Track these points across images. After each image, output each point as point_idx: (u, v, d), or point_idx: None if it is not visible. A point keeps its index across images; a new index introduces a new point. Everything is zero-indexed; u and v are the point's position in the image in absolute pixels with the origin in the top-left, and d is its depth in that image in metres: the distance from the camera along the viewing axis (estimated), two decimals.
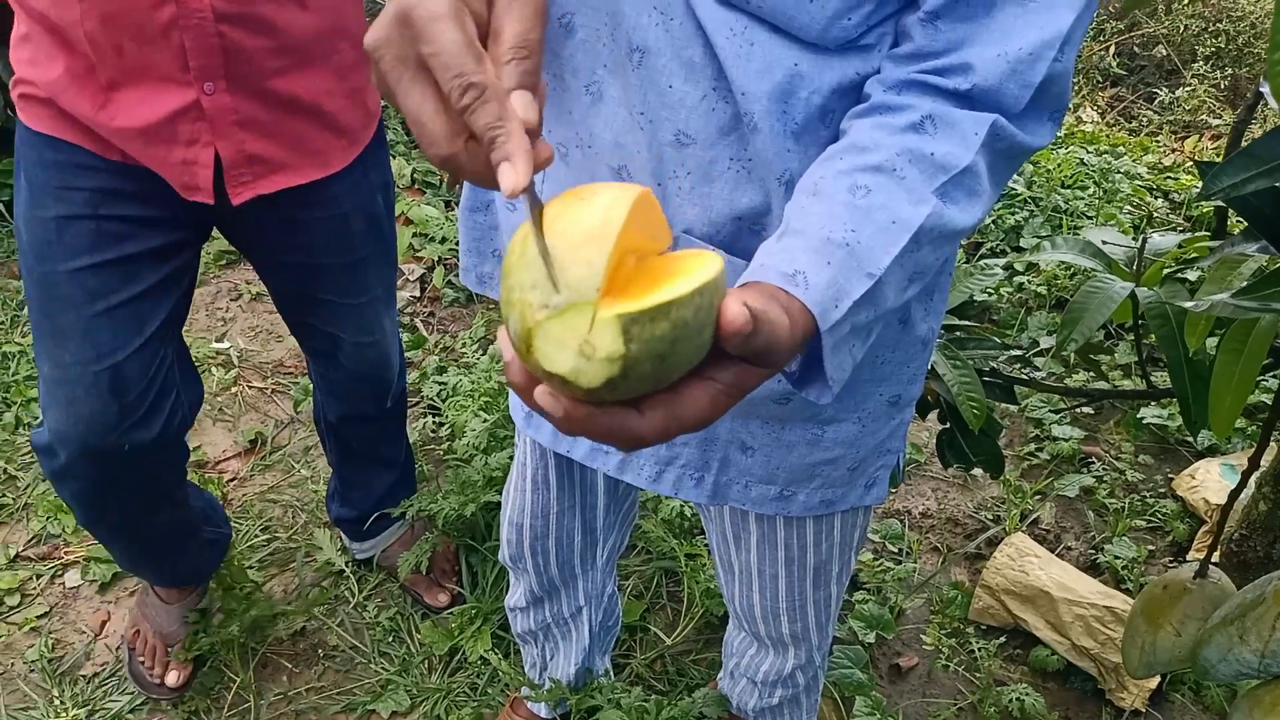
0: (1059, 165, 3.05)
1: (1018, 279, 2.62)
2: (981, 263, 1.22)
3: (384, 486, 1.74)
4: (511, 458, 1.85)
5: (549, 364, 0.48)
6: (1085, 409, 2.24)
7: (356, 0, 1.23)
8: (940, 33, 0.67)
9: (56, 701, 1.65)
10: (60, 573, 1.90)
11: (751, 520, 1.08)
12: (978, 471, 2.11)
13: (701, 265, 0.50)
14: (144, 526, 1.44)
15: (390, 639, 1.75)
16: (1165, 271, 1.23)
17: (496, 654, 1.65)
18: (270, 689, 1.68)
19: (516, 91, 0.51)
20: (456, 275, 2.59)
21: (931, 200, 0.65)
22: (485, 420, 1.81)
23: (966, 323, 1.22)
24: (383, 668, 1.71)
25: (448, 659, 1.71)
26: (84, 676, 1.70)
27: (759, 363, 0.54)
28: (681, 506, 1.80)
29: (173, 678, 1.64)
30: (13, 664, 1.71)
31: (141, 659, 1.67)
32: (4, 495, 2.02)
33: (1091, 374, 1.83)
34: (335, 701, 1.66)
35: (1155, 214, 2.90)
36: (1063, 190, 2.95)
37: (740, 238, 0.77)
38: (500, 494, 1.83)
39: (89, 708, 1.65)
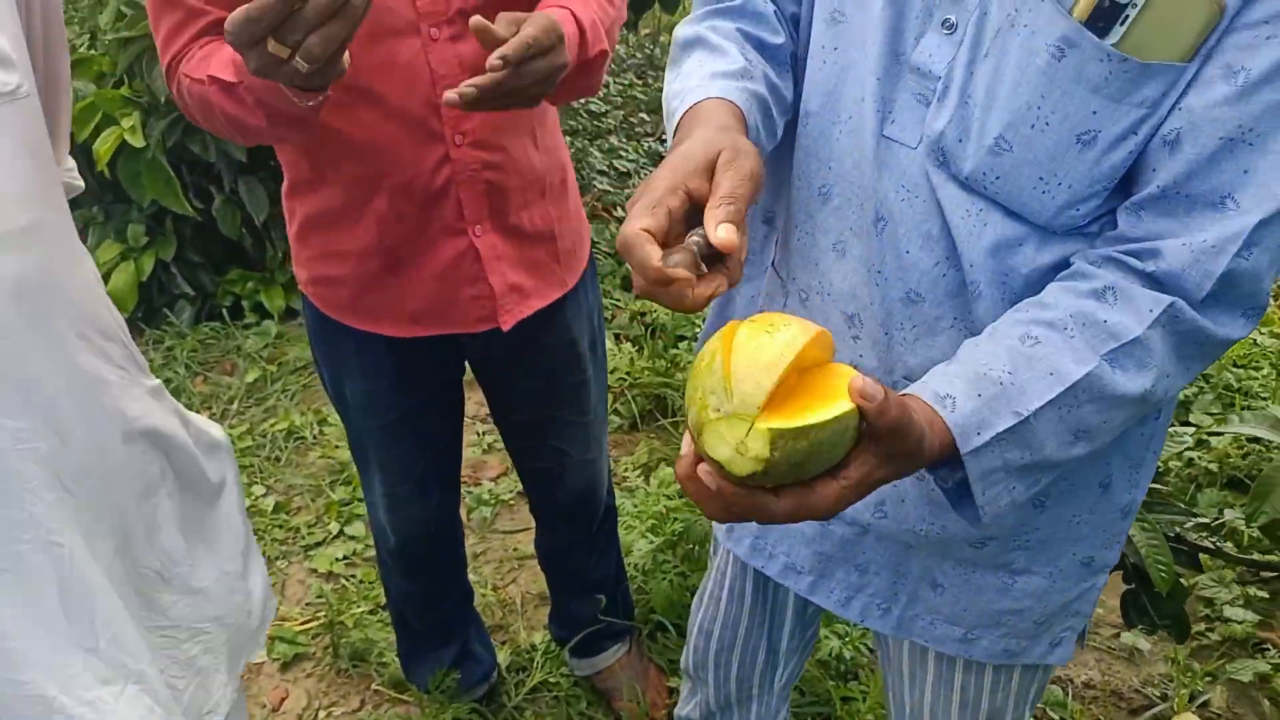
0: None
1: (1188, 454, 2.57)
2: (1170, 429, 1.26)
3: (598, 608, 1.83)
4: (675, 579, 1.94)
5: (711, 451, 0.62)
6: (1260, 592, 2.16)
7: (562, 139, 1.41)
8: (1142, 222, 0.77)
9: None
10: None
11: (930, 659, 1.11)
12: (1145, 646, 2.04)
13: (839, 387, 0.62)
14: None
15: None
16: None
17: None
18: None
19: (724, 224, 0.65)
20: (622, 403, 2.74)
21: (1095, 361, 0.73)
22: (652, 542, 1.90)
23: (1155, 485, 1.26)
24: None
25: None
26: None
27: (886, 450, 0.65)
28: (840, 649, 1.82)
29: None
30: None
31: None
32: None
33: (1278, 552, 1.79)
34: None
35: None
36: (1234, 369, 2.90)
37: None
38: (679, 615, 1.91)
39: None
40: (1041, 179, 0.78)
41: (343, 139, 1.21)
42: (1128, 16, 0.72)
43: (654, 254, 0.64)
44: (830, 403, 0.61)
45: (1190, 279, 0.74)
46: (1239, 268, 0.73)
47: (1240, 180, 0.72)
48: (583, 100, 5.05)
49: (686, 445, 0.67)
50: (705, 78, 0.85)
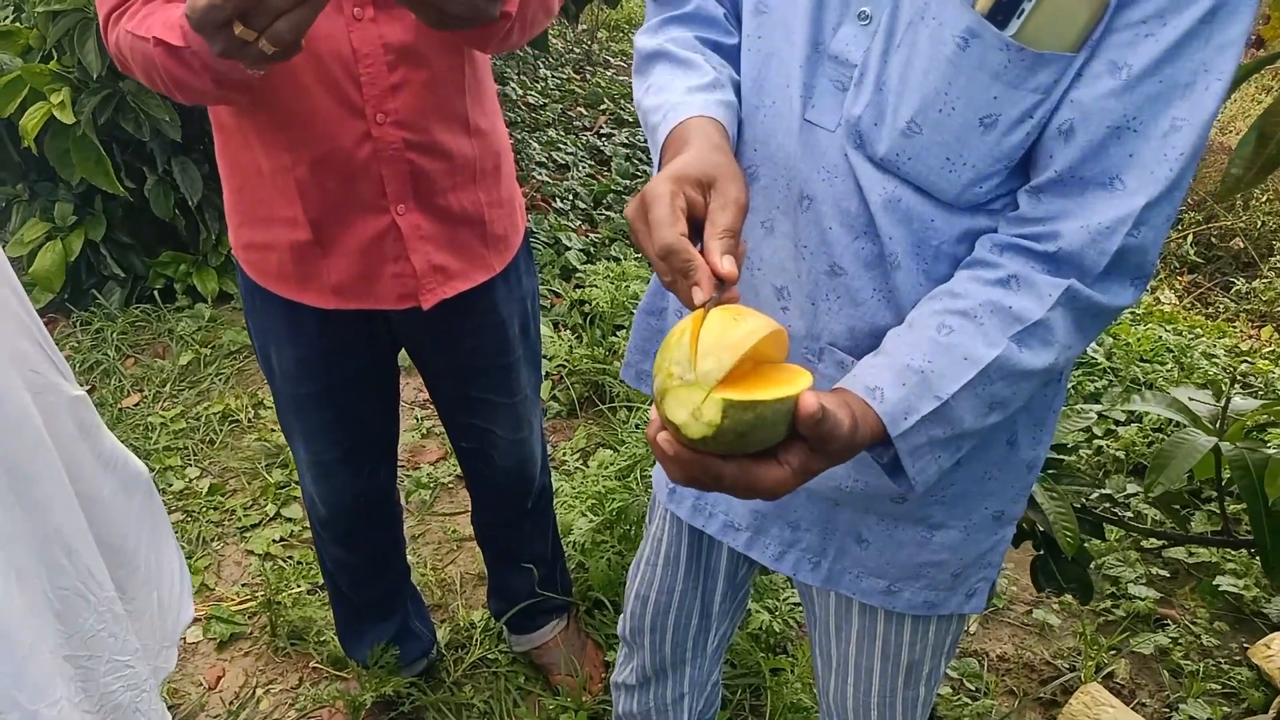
0: (1138, 340, 3.17)
1: (1096, 441, 2.71)
2: (1078, 407, 1.36)
3: (534, 582, 1.86)
4: (612, 558, 2.00)
5: (669, 414, 0.70)
6: (1162, 571, 2.29)
7: (502, 126, 1.44)
8: (1041, 204, 0.85)
9: None
10: None
11: (855, 613, 1.18)
12: (1055, 621, 2.16)
13: (794, 381, 0.72)
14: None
15: None
16: (1246, 430, 1.35)
17: None
18: None
19: (726, 256, 0.76)
20: (560, 389, 2.78)
21: (1004, 344, 0.83)
22: (591, 521, 1.95)
23: (1062, 458, 1.35)
24: None
25: None
26: None
27: (820, 448, 0.74)
28: (770, 622, 1.89)
29: None
30: None
31: None
32: None
33: (1173, 525, 1.91)
34: None
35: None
36: (1141, 363, 3.06)
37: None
38: (616, 593, 1.96)
39: None
40: (949, 159, 0.86)
41: (267, 108, 1.23)
42: (1023, 10, 0.80)
43: (696, 257, 0.75)
44: (778, 388, 0.70)
45: (1088, 257, 0.83)
46: (1130, 244, 0.82)
47: (1127, 163, 0.81)
48: (521, 93, 5.07)
49: (654, 411, 0.74)
50: (683, 93, 0.92)
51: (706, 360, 0.69)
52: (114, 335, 2.95)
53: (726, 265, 0.74)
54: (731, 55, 0.99)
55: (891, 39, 0.86)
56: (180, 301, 3.13)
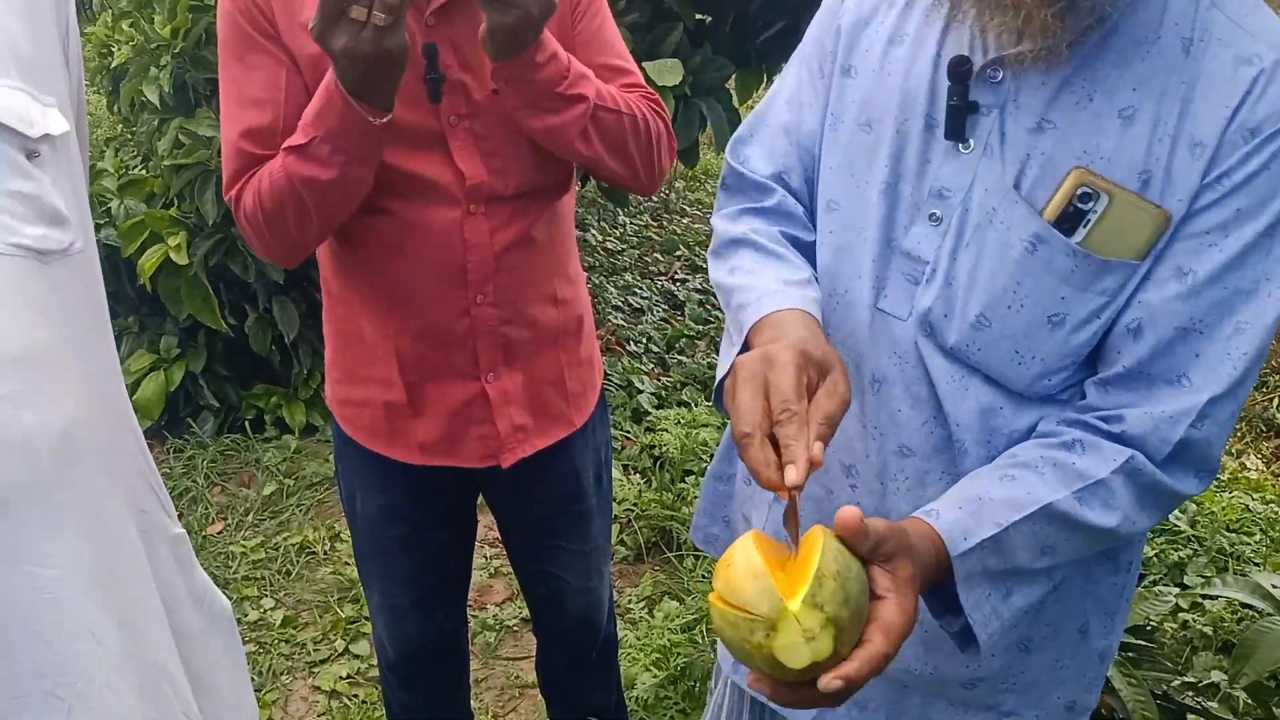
0: (1224, 509, 3.07)
1: (1183, 615, 2.60)
2: (1155, 589, 1.33)
3: None
4: (675, 716, 1.96)
5: (800, 663, 0.67)
6: None
7: (584, 290, 1.52)
8: (1109, 395, 0.88)
9: None
10: None
11: None
12: None
13: (815, 538, 0.71)
14: None
15: None
16: None
17: None
18: None
19: (818, 443, 0.76)
20: (628, 533, 2.80)
21: (1064, 493, 0.84)
22: (655, 676, 1.94)
23: (1142, 643, 1.31)
24: None
25: None
26: None
27: (882, 562, 0.73)
28: None
29: None
30: None
31: None
32: None
33: (1265, 715, 1.81)
34: None
35: None
36: (1227, 533, 2.95)
37: None
38: None
39: None
40: (1017, 352, 0.90)
41: (376, 280, 1.34)
42: (1089, 220, 0.85)
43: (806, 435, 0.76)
44: (813, 550, 0.70)
45: (1151, 443, 0.85)
46: (1193, 436, 0.84)
47: (1193, 363, 0.84)
48: (600, 238, 5.28)
49: (754, 676, 0.73)
50: (778, 283, 0.96)
51: (757, 601, 0.67)
52: (204, 463, 3.08)
53: (817, 450, 0.75)
54: (809, 252, 1.05)
55: (961, 239, 0.91)
56: (269, 432, 3.26)
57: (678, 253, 5.21)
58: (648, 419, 3.37)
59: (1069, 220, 0.85)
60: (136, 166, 3.53)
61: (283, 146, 1.18)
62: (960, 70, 0.90)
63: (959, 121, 0.91)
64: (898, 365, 0.96)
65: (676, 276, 4.90)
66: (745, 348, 0.93)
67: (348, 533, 2.56)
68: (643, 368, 3.79)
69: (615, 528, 2.85)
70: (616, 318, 4.24)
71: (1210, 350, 0.84)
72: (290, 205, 1.20)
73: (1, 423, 0.89)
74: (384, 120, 1.14)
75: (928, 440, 0.96)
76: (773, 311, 0.92)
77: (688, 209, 6.16)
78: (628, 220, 5.68)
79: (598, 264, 4.87)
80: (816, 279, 1.01)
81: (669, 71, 2.83)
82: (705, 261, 4.99)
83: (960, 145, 0.91)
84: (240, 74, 1.23)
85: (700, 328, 4.20)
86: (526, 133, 1.26)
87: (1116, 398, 0.87)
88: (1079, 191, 0.84)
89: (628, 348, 3.96)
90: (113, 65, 3.10)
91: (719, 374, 1.00)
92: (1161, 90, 0.83)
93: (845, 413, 0.80)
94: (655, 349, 4.00)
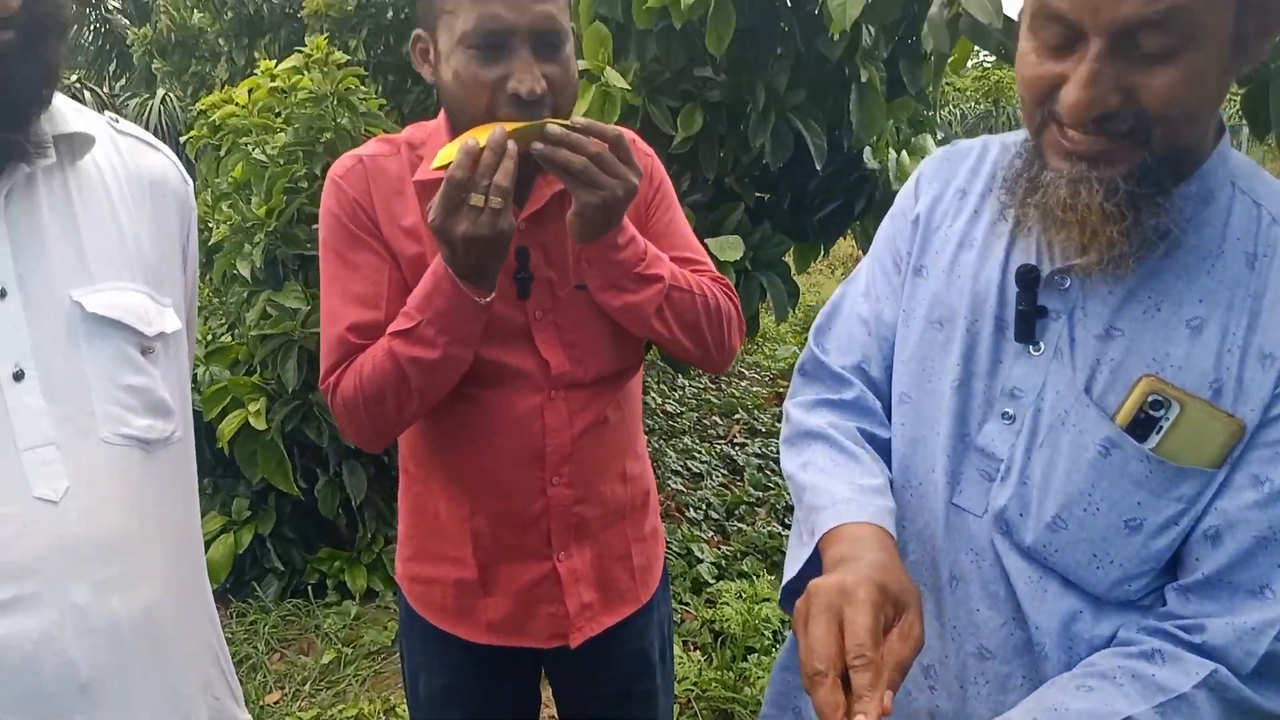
0: None
1: None
2: None
3: None
4: None
5: None
6: None
7: (648, 464, 1.54)
8: (1190, 603, 0.87)
9: None
10: None
11: None
12: None
13: None
14: None
15: None
16: None
17: None
18: None
19: (889, 692, 0.75)
20: (688, 715, 2.70)
21: (1143, 706, 0.80)
22: None
23: None
24: None
25: None
26: None
27: None
28: None
29: None
30: None
31: None
32: None
33: None
34: None
35: None
36: None
37: None
38: None
39: None
40: (1095, 556, 0.89)
41: (455, 462, 1.38)
42: (1161, 427, 0.86)
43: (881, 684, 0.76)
44: None
45: (1234, 655, 0.83)
46: (1277, 649, 0.81)
47: (1275, 573, 0.83)
48: (660, 401, 5.35)
49: None
50: (853, 489, 0.96)
51: None
52: (265, 629, 3.09)
53: (888, 700, 0.74)
54: (886, 449, 1.06)
55: (1035, 438, 0.93)
56: (330, 597, 3.27)
57: (736, 415, 5.24)
58: (708, 590, 3.31)
59: (1141, 426, 0.86)
60: (223, 334, 3.72)
61: (388, 331, 1.25)
62: (1028, 278, 0.93)
63: (1029, 325, 0.94)
64: (975, 562, 0.96)
65: (735, 440, 4.91)
66: (815, 552, 0.93)
67: (403, 706, 2.52)
68: (702, 535, 3.75)
69: (675, 708, 2.76)
70: (676, 482, 4.24)
71: None
72: (391, 386, 1.24)
73: (94, 610, 0.93)
74: (488, 300, 1.21)
75: (1007, 642, 0.95)
76: (850, 523, 0.92)
77: (746, 372, 6.23)
78: (686, 383, 5.76)
79: (657, 426, 4.91)
80: (891, 483, 1.02)
81: (730, 248, 2.94)
82: (763, 425, 5.04)
83: (1031, 347, 0.94)
84: (344, 271, 1.32)
85: (760, 494, 4.18)
86: (606, 311, 1.32)
87: (1198, 606, 0.86)
88: (1150, 399, 0.86)
89: (687, 514, 3.94)
90: (209, 242, 3.32)
91: (786, 573, 1.00)
92: (1228, 303, 0.85)
93: (917, 655, 0.80)
94: (715, 515, 3.97)
